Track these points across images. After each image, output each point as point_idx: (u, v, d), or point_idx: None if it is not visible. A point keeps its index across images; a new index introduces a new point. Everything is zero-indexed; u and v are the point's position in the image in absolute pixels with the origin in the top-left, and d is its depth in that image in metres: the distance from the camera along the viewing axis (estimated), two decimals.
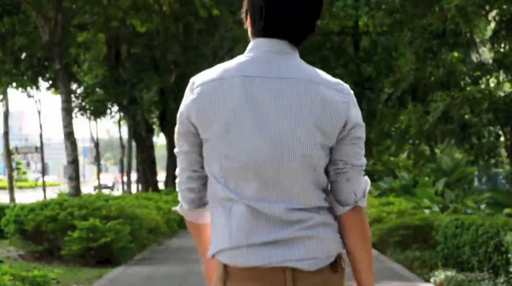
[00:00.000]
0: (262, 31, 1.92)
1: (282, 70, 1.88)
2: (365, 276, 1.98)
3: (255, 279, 1.85)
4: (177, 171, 2.03)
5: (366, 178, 2.01)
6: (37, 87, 24.50)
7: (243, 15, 2.00)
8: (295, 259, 1.85)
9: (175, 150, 2.00)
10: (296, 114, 1.85)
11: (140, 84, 22.09)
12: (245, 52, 1.95)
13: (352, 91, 1.96)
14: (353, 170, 1.93)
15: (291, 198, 1.86)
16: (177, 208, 2.09)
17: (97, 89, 23.73)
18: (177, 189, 2.06)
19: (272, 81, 1.87)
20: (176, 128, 1.97)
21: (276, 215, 1.85)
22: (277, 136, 1.85)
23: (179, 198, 2.05)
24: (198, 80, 1.92)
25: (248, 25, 1.98)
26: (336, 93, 1.89)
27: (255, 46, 1.93)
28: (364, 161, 1.97)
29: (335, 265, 1.92)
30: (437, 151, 21.20)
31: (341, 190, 1.94)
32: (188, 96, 1.91)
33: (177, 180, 2.03)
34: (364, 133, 1.94)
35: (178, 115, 1.96)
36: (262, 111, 1.85)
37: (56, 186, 53.39)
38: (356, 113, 1.90)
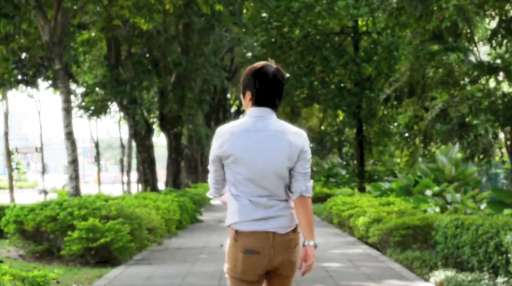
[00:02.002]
0: (255, 104, 3.60)
1: (266, 126, 3.57)
2: (307, 232, 3.61)
3: (254, 237, 3.53)
4: (210, 180, 3.74)
5: (311, 180, 3.66)
6: (37, 87, 24.50)
7: (241, 95, 3.66)
8: (275, 227, 3.55)
9: (209, 168, 3.71)
10: (275, 151, 3.54)
11: (141, 84, 22.05)
12: (246, 116, 3.61)
13: (305, 134, 3.62)
14: (299, 175, 3.58)
15: (271, 192, 3.57)
16: (208, 194, 3.80)
17: (97, 89, 23.70)
18: (210, 187, 3.77)
19: (261, 133, 3.55)
20: (210, 157, 3.65)
21: (263, 203, 3.56)
22: (265, 163, 3.54)
23: (210, 189, 3.78)
24: (221, 131, 3.60)
25: (247, 100, 3.62)
26: (296, 137, 3.57)
27: (251, 112, 3.61)
28: (308, 169, 3.60)
29: (294, 230, 3.60)
30: (436, 150, 21.19)
31: (293, 186, 3.60)
32: (216, 140, 3.60)
33: (210, 181, 3.75)
34: (309, 154, 3.60)
35: (211, 150, 3.64)
36: (257, 150, 3.54)
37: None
38: (306, 147, 3.58)
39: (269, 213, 3.54)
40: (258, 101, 3.59)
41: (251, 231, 3.52)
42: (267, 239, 3.52)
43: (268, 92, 3.58)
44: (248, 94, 3.61)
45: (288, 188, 3.62)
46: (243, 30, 22.70)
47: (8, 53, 18.24)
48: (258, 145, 3.53)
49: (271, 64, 3.64)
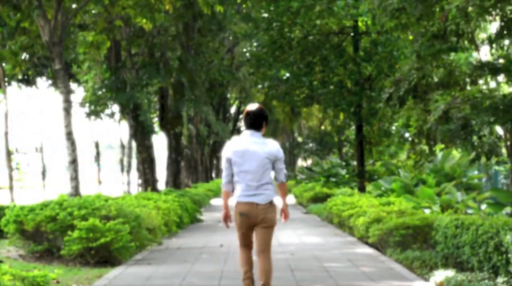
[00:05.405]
0: (248, 128, 6.53)
1: (254, 140, 6.45)
2: (283, 201, 6.63)
3: (245, 205, 6.38)
4: (223, 174, 6.54)
5: (285, 171, 6.56)
6: (37, 87, 24.47)
7: (243, 122, 6.72)
8: (258, 200, 6.37)
9: (222, 167, 6.59)
10: (259, 155, 6.41)
11: (147, 87, 22.02)
12: (242, 135, 6.57)
13: (277, 144, 6.59)
14: (280, 170, 6.51)
15: (258, 179, 6.39)
16: (221, 185, 6.58)
17: (100, 92, 23.66)
18: (222, 179, 6.55)
19: (251, 144, 6.43)
20: (222, 159, 6.54)
21: (254, 185, 6.38)
22: (256, 161, 6.40)
23: (223, 182, 6.52)
24: (230, 143, 6.56)
25: (244, 124, 6.63)
26: (272, 146, 6.47)
27: (246, 132, 6.54)
28: (284, 166, 6.54)
29: (271, 202, 6.44)
30: (437, 149, 21.16)
31: (276, 177, 6.55)
32: (226, 148, 6.49)
33: (223, 175, 6.55)
34: (283, 157, 6.52)
35: (222, 154, 6.55)
36: (250, 155, 6.41)
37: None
38: (280, 154, 6.51)
39: (256, 192, 6.32)
40: (250, 127, 6.45)
41: (245, 202, 6.33)
42: (253, 207, 6.32)
43: (254, 122, 6.43)
44: (244, 123, 6.54)
45: (274, 178, 6.39)
46: (247, 27, 22.65)
47: (17, 48, 18.17)
48: (249, 151, 6.34)
49: (256, 105, 6.56)
